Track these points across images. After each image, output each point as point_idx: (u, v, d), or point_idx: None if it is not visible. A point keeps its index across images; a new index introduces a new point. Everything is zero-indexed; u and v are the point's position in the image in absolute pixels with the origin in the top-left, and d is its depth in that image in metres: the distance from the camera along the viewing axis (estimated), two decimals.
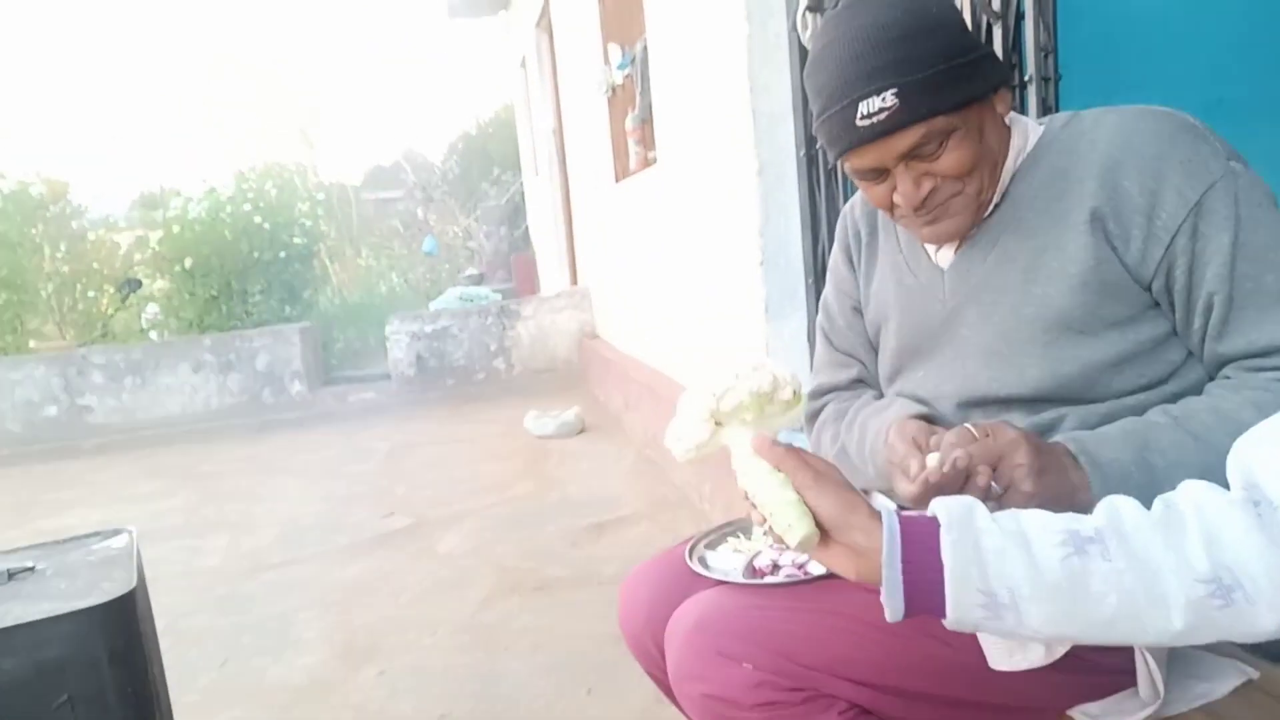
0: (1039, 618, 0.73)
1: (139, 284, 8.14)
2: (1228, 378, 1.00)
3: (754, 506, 0.85)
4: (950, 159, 1.01)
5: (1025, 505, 0.84)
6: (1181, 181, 0.97)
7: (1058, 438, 0.95)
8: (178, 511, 4.23)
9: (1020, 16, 1.65)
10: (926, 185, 1.03)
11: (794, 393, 0.89)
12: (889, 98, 0.97)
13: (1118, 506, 0.78)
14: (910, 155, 1.01)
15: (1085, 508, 0.86)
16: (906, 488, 0.99)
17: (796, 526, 0.78)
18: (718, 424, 0.87)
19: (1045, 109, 1.63)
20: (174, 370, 6.46)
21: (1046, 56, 1.60)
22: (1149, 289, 1.02)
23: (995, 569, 0.73)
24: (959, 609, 0.74)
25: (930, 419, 1.13)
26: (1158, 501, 0.78)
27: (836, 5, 1.08)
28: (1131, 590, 0.72)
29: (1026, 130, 1.10)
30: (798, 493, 0.80)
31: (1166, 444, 0.94)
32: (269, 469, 5.00)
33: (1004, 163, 1.08)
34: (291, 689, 2.30)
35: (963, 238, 1.12)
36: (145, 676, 0.87)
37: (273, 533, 3.68)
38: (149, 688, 0.88)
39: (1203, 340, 1.02)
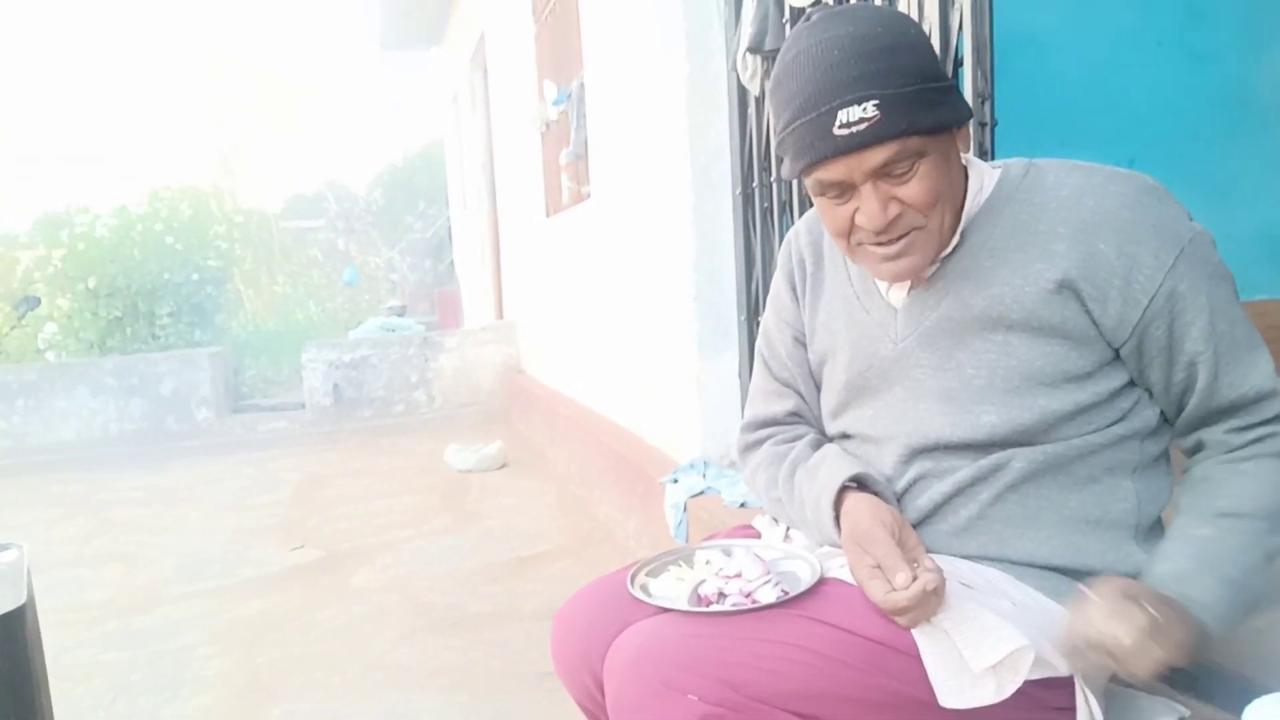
0: None
1: (37, 302, 7.76)
2: (1204, 446, 1.09)
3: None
4: (918, 186, 1.00)
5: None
6: (1157, 245, 1.00)
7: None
8: (69, 541, 3.97)
9: (959, 63, 1.69)
10: (893, 210, 1.01)
11: None
12: (870, 108, 0.96)
13: None
14: (881, 173, 0.99)
15: (1205, 649, 0.95)
16: (881, 590, 0.98)
17: None
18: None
19: (981, 153, 1.66)
20: (71, 393, 6.12)
21: (984, 103, 1.64)
22: (1119, 348, 1.04)
23: None
24: None
25: (865, 482, 1.11)
26: None
27: (788, 45, 1.05)
28: None
29: (982, 173, 1.10)
30: None
31: (1231, 554, 1.01)
32: (170, 499, 4.75)
33: (963, 203, 1.08)
34: None
35: (917, 276, 1.11)
36: (32, 704, 0.79)
37: (171, 565, 3.48)
38: (35, 714, 0.79)
39: (1181, 394, 1.06)
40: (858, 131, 0.96)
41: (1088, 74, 3.14)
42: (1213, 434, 1.07)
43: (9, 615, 0.76)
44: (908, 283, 1.12)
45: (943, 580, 0.96)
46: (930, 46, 1.04)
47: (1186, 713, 1.15)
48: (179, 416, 6.27)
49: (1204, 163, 3.13)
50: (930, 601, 0.96)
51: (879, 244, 1.04)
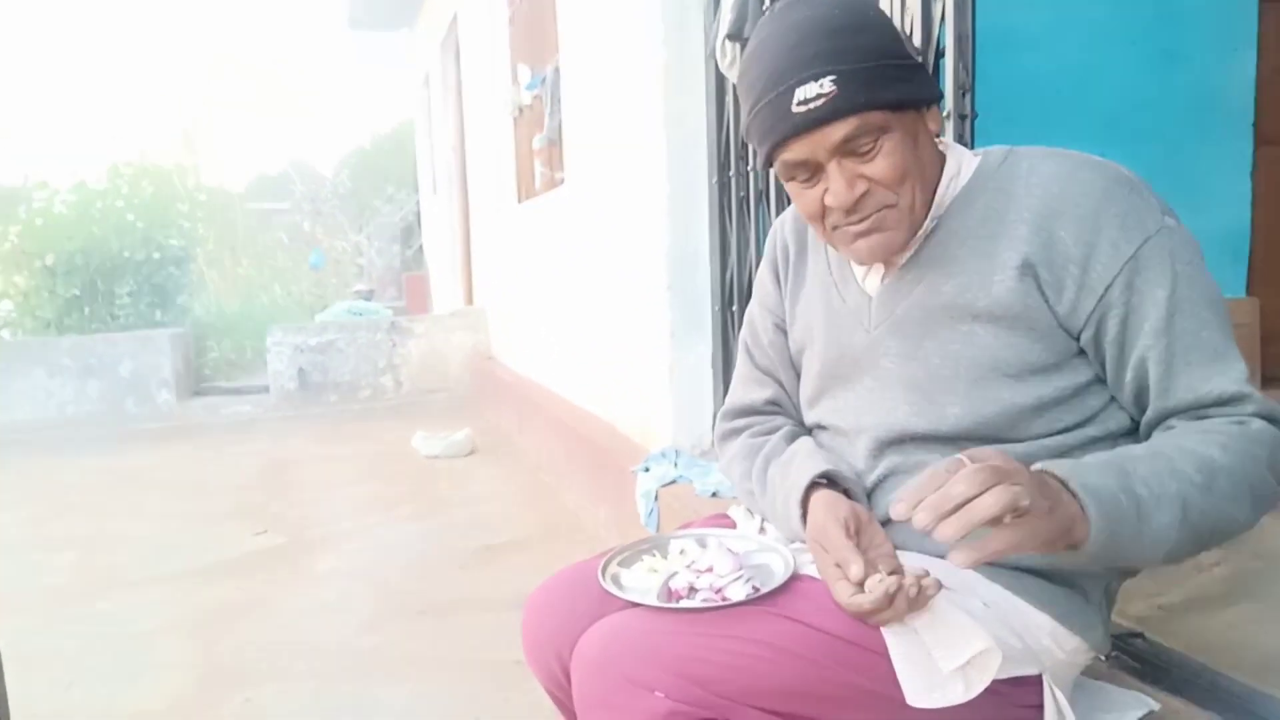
0: None
1: None
2: (1172, 427, 1.01)
3: None
4: (884, 163, 1.00)
5: (1025, 543, 0.82)
6: (1117, 235, 0.98)
7: (1036, 468, 0.89)
8: (21, 524, 3.88)
9: (941, 54, 1.68)
10: (860, 187, 1.01)
11: None
12: (827, 84, 0.97)
13: None
14: (844, 150, 0.99)
15: (1081, 542, 0.87)
16: (846, 592, 0.97)
17: None
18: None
19: (961, 144, 1.66)
20: (27, 374, 5.99)
21: (965, 94, 1.64)
22: (1077, 338, 1.02)
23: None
24: None
25: (834, 479, 1.11)
26: None
27: (754, 34, 1.07)
28: None
29: (961, 159, 1.10)
30: None
31: (1146, 473, 0.92)
32: (129, 482, 4.65)
33: (937, 185, 1.08)
34: (146, 715, 2.10)
35: (892, 263, 1.10)
36: None
37: (130, 550, 3.41)
38: None
39: (1136, 393, 1.02)
40: (815, 108, 0.97)
41: (1064, 71, 3.15)
42: (1179, 420, 1.02)
43: None
44: (882, 270, 1.12)
45: (903, 585, 0.94)
46: (892, 27, 1.04)
47: (1156, 706, 1.16)
48: (138, 399, 6.15)
49: (1172, 162, 3.15)
50: (900, 603, 0.94)
51: (850, 224, 1.04)
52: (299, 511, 3.84)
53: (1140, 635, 1.37)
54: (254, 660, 2.37)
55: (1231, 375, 0.98)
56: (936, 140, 1.09)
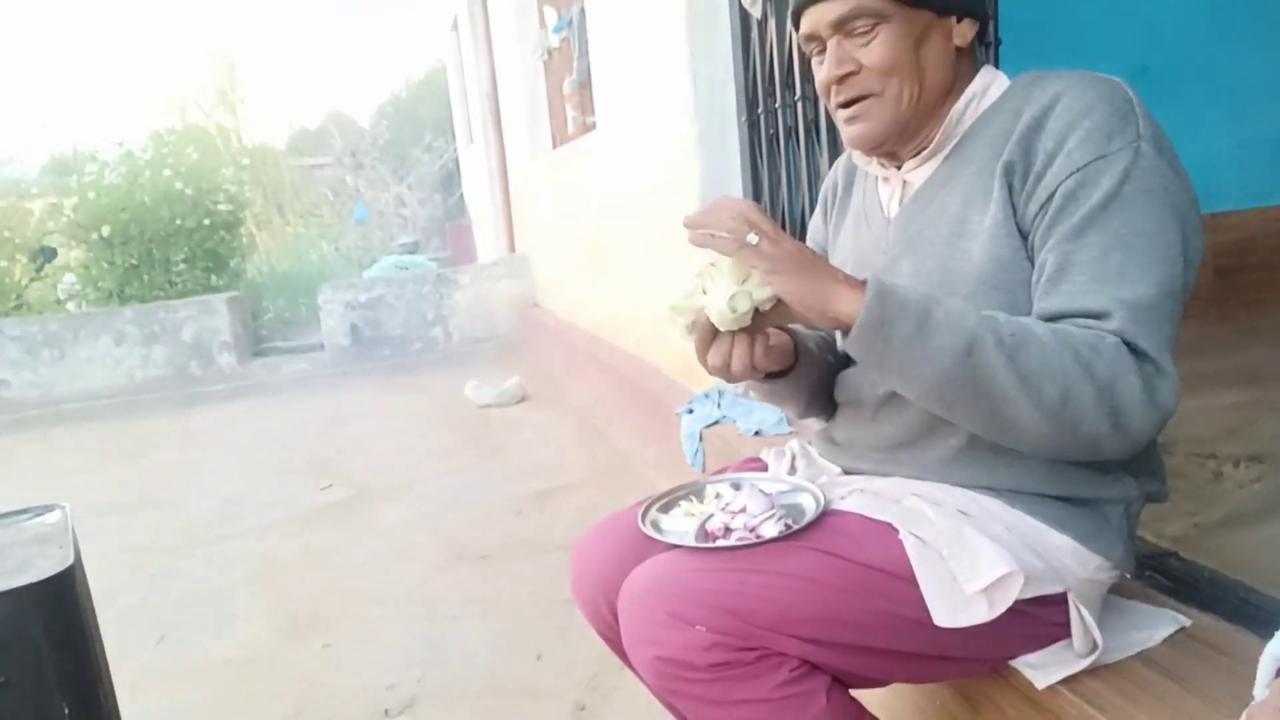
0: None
1: (54, 253, 7.81)
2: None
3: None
4: (877, 50, 1.06)
5: (769, 275, 0.96)
6: (1077, 146, 0.98)
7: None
8: (105, 487, 4.10)
9: None
10: (846, 67, 1.08)
11: None
12: None
13: None
14: (843, 30, 1.07)
15: (848, 318, 0.94)
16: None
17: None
18: (704, 291, 1.01)
19: None
20: (94, 342, 6.22)
21: (988, 22, 1.61)
22: (1029, 242, 1.02)
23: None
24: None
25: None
26: None
27: None
28: None
29: (990, 81, 1.11)
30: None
31: (955, 306, 0.94)
32: (200, 443, 4.86)
33: (951, 100, 1.10)
34: (233, 664, 2.25)
35: (909, 185, 1.15)
36: (87, 656, 0.84)
37: (206, 507, 3.59)
38: (91, 667, 0.85)
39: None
40: None
41: None
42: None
43: (59, 576, 0.81)
44: (900, 194, 1.17)
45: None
46: None
47: (1187, 622, 1.19)
48: (202, 361, 6.37)
49: (1220, 68, 3.06)
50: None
51: (839, 104, 1.11)
52: (361, 464, 3.98)
53: (1174, 554, 1.40)
54: (328, 609, 2.51)
55: (1116, 299, 0.92)
56: (960, 54, 1.10)
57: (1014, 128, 1.04)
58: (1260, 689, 0.69)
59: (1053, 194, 0.98)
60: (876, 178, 1.22)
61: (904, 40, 1.05)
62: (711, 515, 1.14)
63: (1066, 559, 1.06)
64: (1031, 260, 1.02)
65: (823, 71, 1.10)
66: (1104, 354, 0.91)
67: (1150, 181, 0.95)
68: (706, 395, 2.72)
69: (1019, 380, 0.91)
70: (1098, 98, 0.99)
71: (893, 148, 1.13)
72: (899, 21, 1.04)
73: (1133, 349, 0.92)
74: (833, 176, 1.36)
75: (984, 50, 1.65)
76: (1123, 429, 0.92)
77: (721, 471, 1.33)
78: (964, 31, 1.07)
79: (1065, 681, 1.08)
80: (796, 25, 1.13)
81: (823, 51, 1.10)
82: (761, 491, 1.16)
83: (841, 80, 1.08)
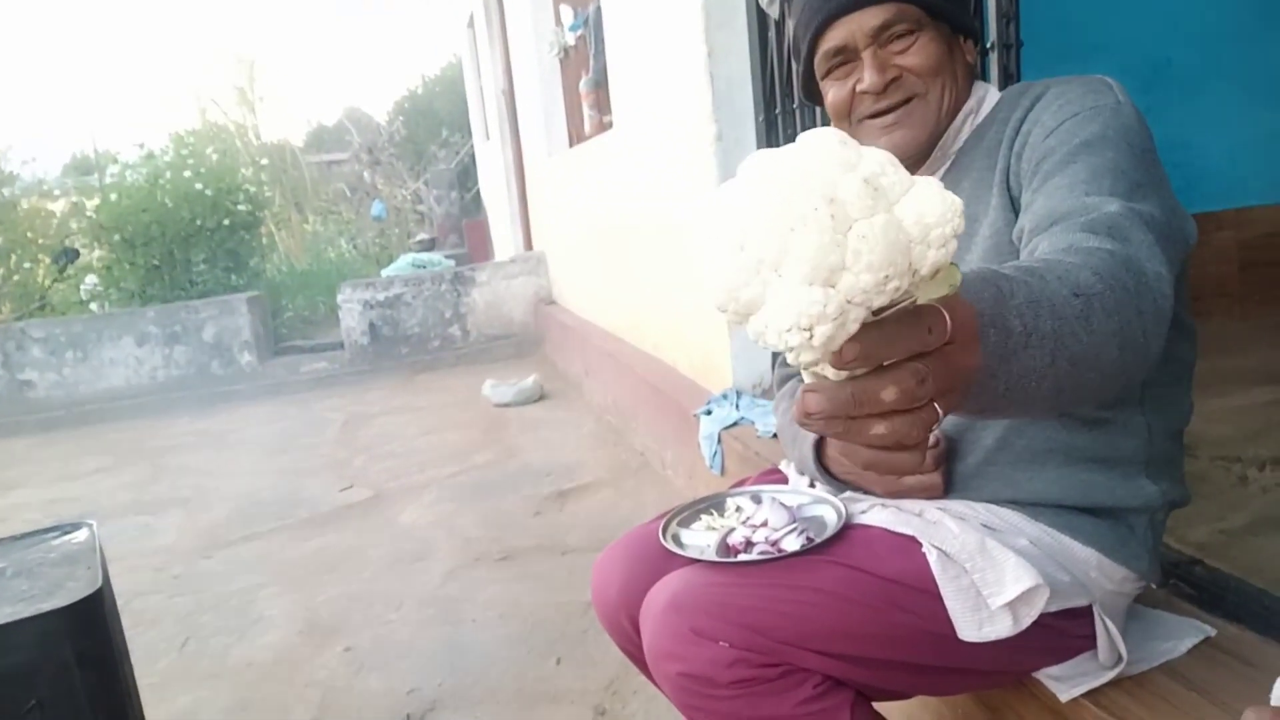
0: None
1: (76, 254, 7.88)
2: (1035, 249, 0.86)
3: None
4: (920, 53, 1.06)
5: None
6: (1054, 114, 0.99)
7: None
8: (127, 488, 4.14)
9: None
10: (891, 73, 1.07)
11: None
12: None
13: None
14: (881, 39, 1.06)
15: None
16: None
17: None
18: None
19: (1007, 76, 1.63)
20: (117, 343, 6.29)
21: (1009, 23, 1.60)
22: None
23: None
24: None
25: None
26: None
27: None
28: None
29: (983, 96, 1.13)
30: None
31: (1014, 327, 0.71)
32: (221, 443, 4.90)
33: (959, 104, 1.11)
34: (256, 668, 2.27)
35: (909, 157, 1.11)
36: (116, 676, 0.85)
37: (228, 508, 3.62)
38: (120, 686, 0.86)
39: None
40: None
41: None
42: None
43: (87, 599, 0.81)
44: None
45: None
46: None
47: (1212, 632, 1.18)
48: (222, 361, 6.42)
49: (1245, 60, 3.01)
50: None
51: (877, 114, 1.09)
52: (381, 464, 4.01)
53: (1200, 562, 1.39)
54: (349, 611, 2.53)
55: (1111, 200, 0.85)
56: (968, 71, 1.13)
57: (1004, 135, 1.06)
58: (1277, 697, 0.68)
59: (1038, 159, 0.98)
60: None
61: (941, 47, 1.08)
62: (732, 529, 1.13)
63: (1092, 571, 1.05)
64: None
65: (862, 85, 1.08)
66: (1122, 237, 0.80)
67: (1136, 138, 0.94)
68: (724, 396, 2.72)
69: (1101, 341, 0.71)
70: (1079, 83, 1.02)
71: (916, 162, 1.12)
72: (932, 30, 1.07)
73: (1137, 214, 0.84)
74: None
75: (1005, 52, 1.64)
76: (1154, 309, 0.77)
77: (741, 484, 1.33)
78: (971, 50, 1.11)
79: (1088, 693, 1.08)
80: (817, 39, 1.10)
81: (844, 65, 1.10)
82: (782, 505, 1.15)
83: (884, 88, 1.08)
